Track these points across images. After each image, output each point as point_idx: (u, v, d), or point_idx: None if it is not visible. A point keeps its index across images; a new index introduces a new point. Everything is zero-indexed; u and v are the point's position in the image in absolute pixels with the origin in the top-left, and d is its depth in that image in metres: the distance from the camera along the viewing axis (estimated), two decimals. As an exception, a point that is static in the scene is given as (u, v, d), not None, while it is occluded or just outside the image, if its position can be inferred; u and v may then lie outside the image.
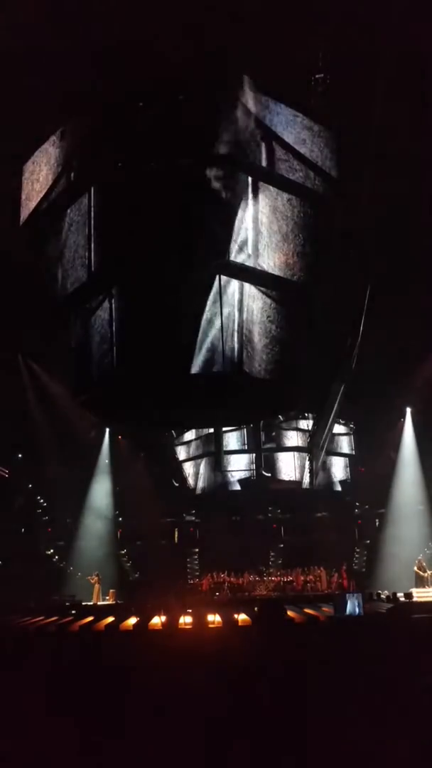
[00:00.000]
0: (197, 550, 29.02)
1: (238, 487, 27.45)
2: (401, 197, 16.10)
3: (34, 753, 5.22)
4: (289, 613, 13.16)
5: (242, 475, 27.36)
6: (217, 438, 26.82)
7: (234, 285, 10.82)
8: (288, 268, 11.14)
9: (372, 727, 5.03)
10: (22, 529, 28.21)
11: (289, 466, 27.21)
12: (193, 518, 29.84)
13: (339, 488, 28.34)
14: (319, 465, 26.50)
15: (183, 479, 28.60)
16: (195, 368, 10.58)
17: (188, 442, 28.57)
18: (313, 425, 24.47)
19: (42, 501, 28.54)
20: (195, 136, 10.62)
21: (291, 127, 11.26)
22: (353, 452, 28.36)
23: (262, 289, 11.18)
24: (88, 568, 24.92)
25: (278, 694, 4.49)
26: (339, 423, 26.59)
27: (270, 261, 10.92)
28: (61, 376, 22.29)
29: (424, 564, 20.31)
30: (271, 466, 27.42)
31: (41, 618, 15.45)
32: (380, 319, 20.16)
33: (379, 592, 18.98)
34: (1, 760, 4.95)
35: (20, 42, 11.41)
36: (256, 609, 13.80)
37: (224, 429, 26.18)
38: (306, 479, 26.82)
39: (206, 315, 10.81)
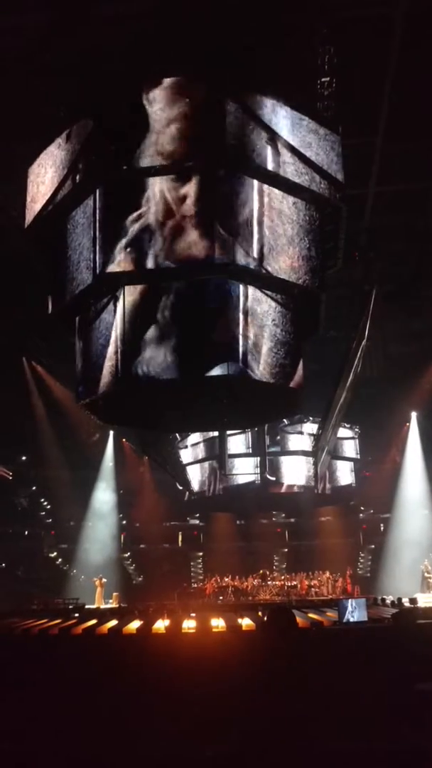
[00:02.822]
0: (201, 553, 29.06)
1: (242, 491, 27.39)
2: (407, 199, 16.10)
3: (36, 756, 5.19)
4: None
5: (246, 478, 27.30)
6: (222, 441, 26.78)
7: (239, 288, 10.80)
8: (293, 272, 11.11)
9: (373, 732, 4.98)
10: (26, 532, 28.28)
11: (294, 470, 27.16)
12: (197, 522, 29.88)
13: (344, 492, 28.28)
14: (324, 469, 26.43)
15: (187, 483, 28.60)
16: (200, 372, 10.55)
17: (192, 446, 28.55)
18: (318, 429, 24.41)
19: (46, 503, 28.60)
20: (201, 138, 10.61)
21: (297, 130, 11.23)
22: (358, 456, 28.32)
23: (267, 292, 11.14)
24: (91, 571, 24.92)
25: (282, 699, 4.45)
26: (344, 427, 26.54)
27: (275, 264, 10.88)
28: (66, 378, 22.32)
29: (431, 568, 20.23)
30: (276, 469, 27.36)
31: (44, 621, 15.42)
32: (385, 322, 20.14)
33: (384, 597, 18.90)
34: (2, 762, 4.91)
35: (25, 42, 11.43)
36: (260, 614, 13.75)
37: (228, 432, 26.11)
38: (311, 483, 26.77)
39: (211, 319, 10.79)
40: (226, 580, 25.69)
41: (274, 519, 29.47)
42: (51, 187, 11.60)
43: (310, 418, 26.16)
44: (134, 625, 13.45)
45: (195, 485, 28.51)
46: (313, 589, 24.97)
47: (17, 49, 11.54)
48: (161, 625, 12.93)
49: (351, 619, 11.52)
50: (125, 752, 5.35)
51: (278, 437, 27.39)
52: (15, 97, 12.35)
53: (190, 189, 10.52)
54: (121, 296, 10.88)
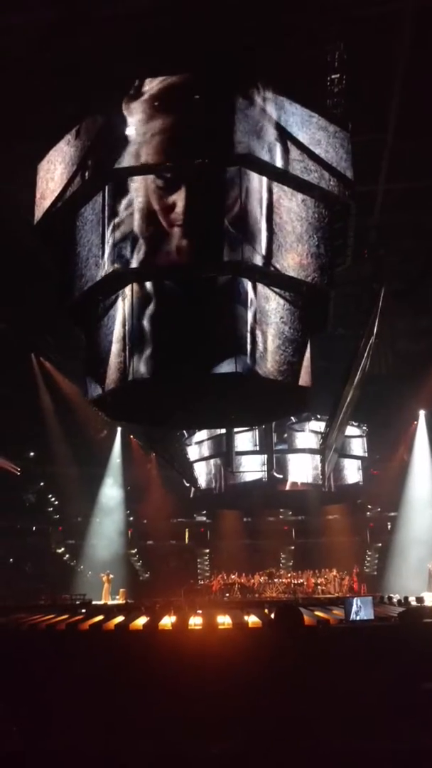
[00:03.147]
0: (207, 550, 29.12)
1: (249, 489, 27.40)
2: (416, 197, 16.04)
3: (41, 751, 5.21)
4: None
5: (254, 476, 27.32)
6: (229, 439, 26.79)
7: (247, 286, 10.78)
8: (302, 269, 11.07)
9: (379, 731, 4.98)
10: (33, 528, 28.40)
11: (301, 468, 27.16)
12: (204, 519, 29.95)
13: (351, 490, 28.24)
14: (331, 467, 26.40)
15: (194, 480, 28.63)
16: (208, 369, 10.54)
17: (200, 443, 28.59)
18: (326, 427, 24.38)
19: (53, 499, 28.70)
20: (210, 135, 10.59)
21: (306, 127, 11.18)
22: (366, 454, 28.28)
23: (275, 289, 11.11)
24: (98, 567, 25.02)
25: (287, 698, 4.45)
26: (351, 425, 26.50)
27: (284, 262, 10.84)
28: (74, 374, 22.40)
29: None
30: (283, 467, 27.36)
31: (51, 616, 15.47)
32: (394, 320, 20.09)
33: (391, 595, 18.86)
34: (9, 757, 4.94)
35: (30, 39, 11.46)
36: (266, 611, 13.74)
37: (236, 430, 26.11)
38: (318, 481, 26.74)
39: (219, 315, 10.77)
40: (233, 577, 25.73)
41: (281, 516, 29.48)
42: (60, 184, 11.61)
43: (318, 416, 26.13)
44: (141, 621, 13.47)
45: (202, 482, 28.54)
46: (319, 587, 24.97)
47: (23, 47, 11.56)
48: (168, 621, 12.94)
49: (357, 618, 11.49)
50: (130, 748, 5.38)
51: (285, 435, 27.38)
52: (21, 95, 12.39)
53: (199, 186, 10.51)
54: (130, 293, 10.87)
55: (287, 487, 27.29)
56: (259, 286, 10.85)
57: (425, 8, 11.11)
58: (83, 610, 17.01)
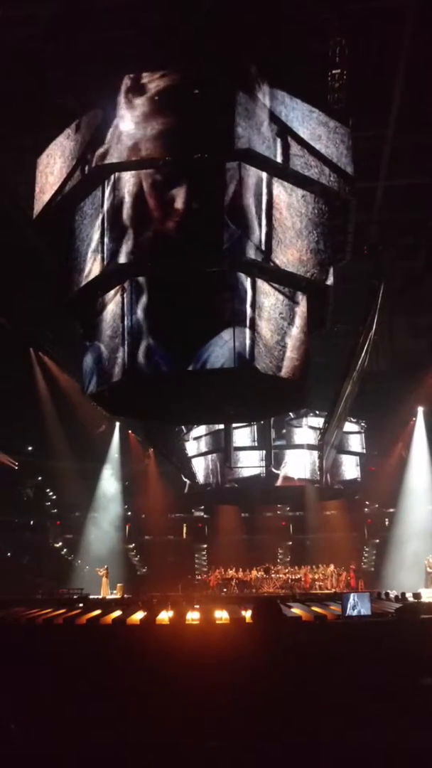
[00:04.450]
0: (205, 545, 29.16)
1: (247, 484, 27.41)
2: (417, 193, 16.02)
3: (37, 746, 5.22)
4: (297, 611, 13.14)
5: (252, 471, 27.30)
6: (227, 434, 26.78)
7: (247, 281, 10.76)
8: (301, 265, 11.06)
9: (376, 727, 4.98)
10: (32, 522, 28.41)
11: (299, 464, 27.16)
12: (202, 514, 29.95)
13: (349, 487, 28.26)
14: (329, 463, 26.41)
15: (192, 475, 28.63)
16: (207, 364, 10.53)
17: (198, 438, 28.57)
18: (324, 423, 24.38)
19: (51, 494, 28.70)
20: (210, 130, 10.55)
21: (307, 122, 11.16)
22: (364, 451, 28.28)
23: (275, 285, 11.10)
24: (96, 562, 25.02)
25: (284, 693, 4.45)
26: (350, 421, 26.50)
27: (283, 257, 10.83)
28: (72, 369, 22.36)
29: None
30: (281, 463, 27.35)
31: (49, 610, 15.49)
32: (393, 317, 20.07)
33: (388, 591, 18.89)
34: (7, 751, 4.94)
35: (33, 32, 11.43)
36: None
37: (234, 425, 26.10)
38: (316, 477, 26.76)
39: (218, 311, 10.75)
40: (230, 572, 25.78)
41: (278, 512, 29.50)
42: (59, 178, 11.58)
43: (316, 412, 26.12)
44: (138, 615, 13.49)
45: (200, 477, 28.54)
46: (317, 582, 25.02)
47: (26, 40, 11.53)
48: (165, 616, 12.97)
49: (354, 613, 11.51)
50: (127, 742, 5.38)
51: (284, 430, 27.37)
52: (21, 88, 12.34)
53: (199, 181, 10.48)
54: (129, 288, 10.86)
55: (285, 483, 27.28)
56: (259, 282, 10.83)
57: (427, 3, 11.07)
58: (81, 605, 17.03)
